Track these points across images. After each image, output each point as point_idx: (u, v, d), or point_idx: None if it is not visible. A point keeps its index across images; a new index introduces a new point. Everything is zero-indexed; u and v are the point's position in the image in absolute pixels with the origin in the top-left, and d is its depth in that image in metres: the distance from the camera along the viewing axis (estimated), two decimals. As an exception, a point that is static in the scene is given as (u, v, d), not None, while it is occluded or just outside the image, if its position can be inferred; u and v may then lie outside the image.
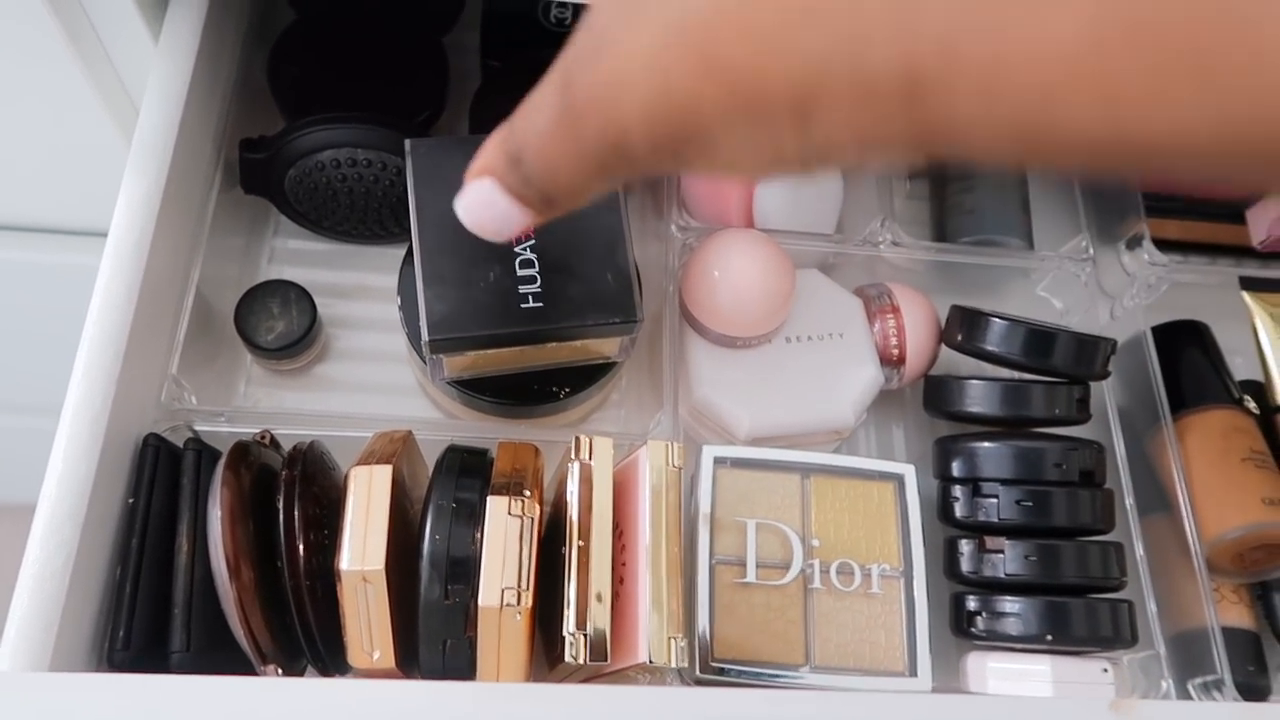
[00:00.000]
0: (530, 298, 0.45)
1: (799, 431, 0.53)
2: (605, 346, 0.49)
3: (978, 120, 0.17)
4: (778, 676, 0.48)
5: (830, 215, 0.61)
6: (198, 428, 0.48)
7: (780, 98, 0.19)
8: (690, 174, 0.22)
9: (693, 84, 0.20)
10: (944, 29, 0.17)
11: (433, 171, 0.47)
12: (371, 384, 0.57)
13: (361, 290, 0.58)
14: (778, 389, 0.53)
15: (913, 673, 0.49)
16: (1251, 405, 0.55)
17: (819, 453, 0.53)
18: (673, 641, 0.42)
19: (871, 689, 0.47)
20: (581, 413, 0.56)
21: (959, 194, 0.61)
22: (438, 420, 0.54)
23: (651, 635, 0.42)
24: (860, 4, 0.18)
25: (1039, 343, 0.51)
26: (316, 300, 0.57)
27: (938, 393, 0.54)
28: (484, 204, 0.31)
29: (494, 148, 0.29)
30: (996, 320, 0.52)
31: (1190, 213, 0.63)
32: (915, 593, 0.50)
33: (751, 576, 0.49)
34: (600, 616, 0.42)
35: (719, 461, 0.52)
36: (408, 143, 0.47)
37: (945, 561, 0.52)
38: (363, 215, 0.56)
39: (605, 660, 0.41)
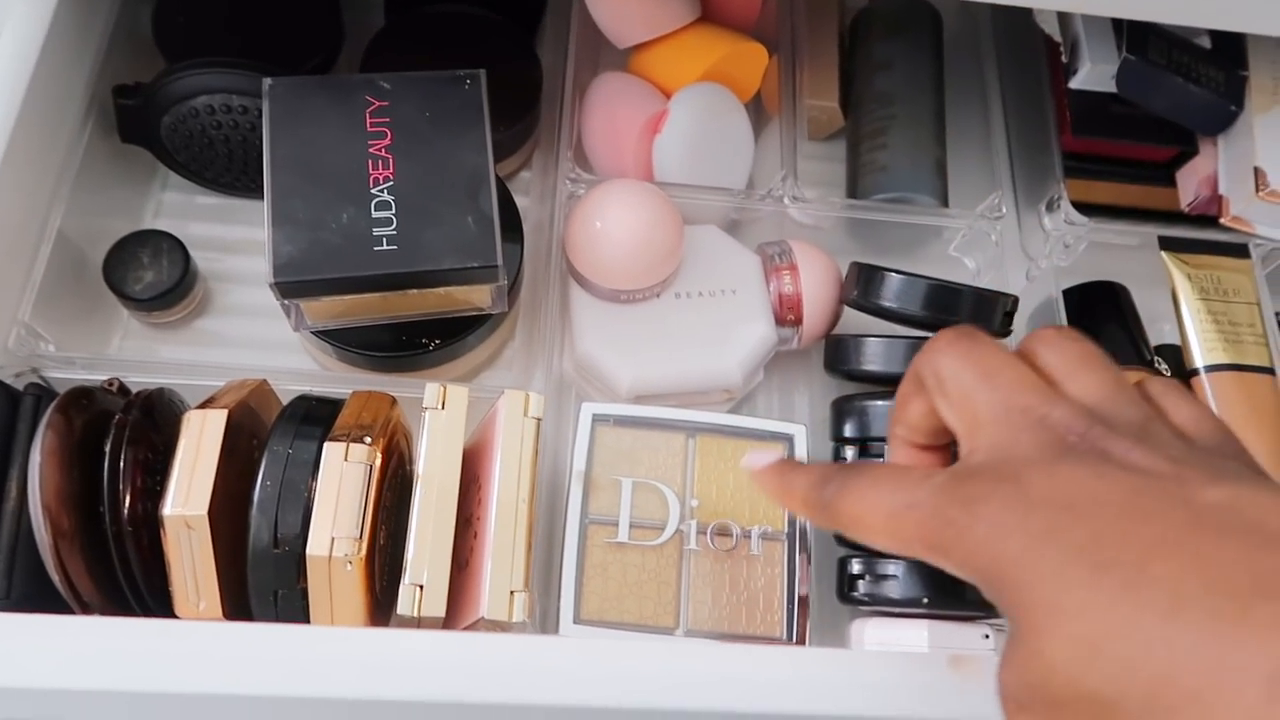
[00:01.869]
0: (384, 240, 0.44)
1: (684, 389, 0.51)
2: (474, 296, 0.48)
3: None
4: (647, 638, 0.46)
5: (739, 171, 0.59)
6: (56, 376, 0.47)
7: None
8: None
9: None
10: None
11: (290, 111, 0.45)
12: (254, 339, 0.55)
13: (248, 244, 0.57)
14: (662, 345, 0.51)
15: (790, 638, 0.47)
16: (1163, 367, 0.53)
17: (708, 412, 0.51)
18: (514, 596, 0.40)
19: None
20: (469, 366, 0.54)
21: (872, 151, 0.59)
22: (310, 371, 0.53)
23: (491, 590, 0.40)
24: None
25: (934, 298, 0.49)
26: (201, 254, 0.55)
27: (835, 352, 0.52)
28: (772, 473, 0.35)
29: (817, 477, 0.32)
30: (892, 275, 0.49)
31: (1117, 175, 0.61)
32: (797, 556, 0.48)
33: (624, 536, 0.47)
34: (439, 569, 0.40)
35: (600, 419, 0.50)
36: (265, 82, 0.45)
37: (834, 525, 0.49)
38: (244, 165, 0.54)
39: (440, 614, 0.39)
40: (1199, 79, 0.55)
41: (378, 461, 0.41)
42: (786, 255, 0.54)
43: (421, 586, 0.40)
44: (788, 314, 0.53)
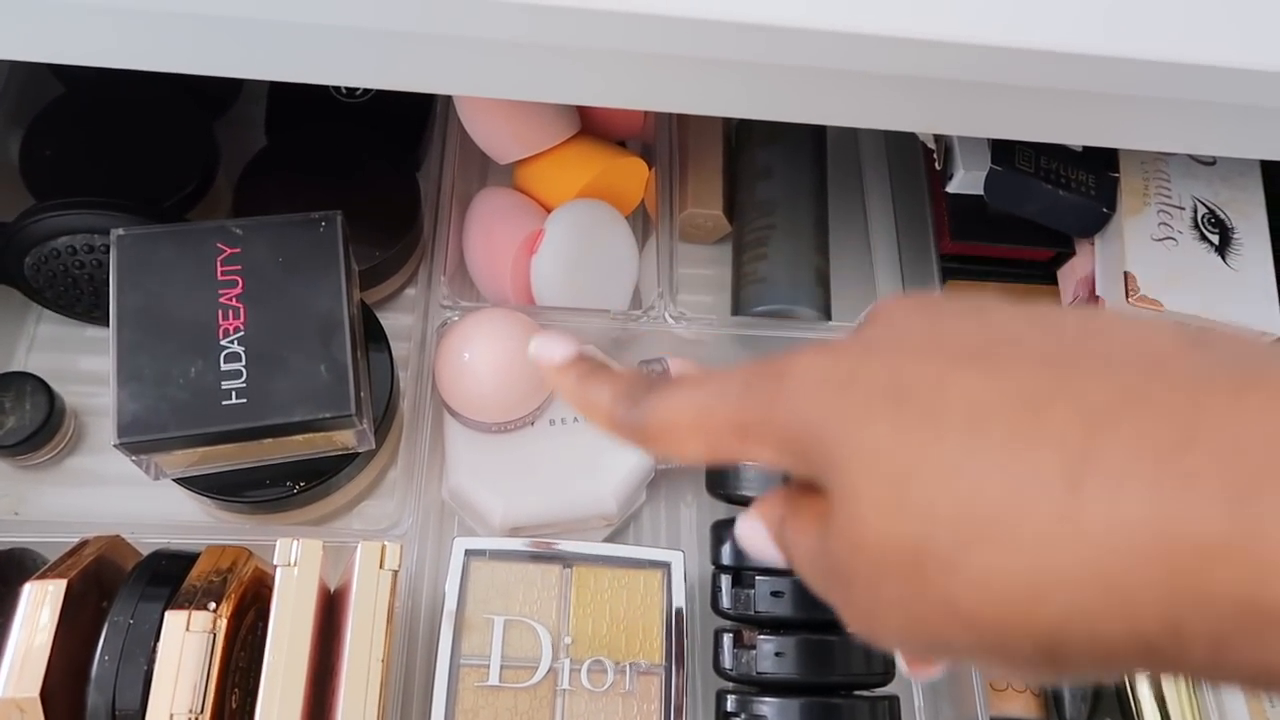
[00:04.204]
0: (233, 393, 0.43)
1: (559, 519, 0.51)
2: (339, 437, 0.47)
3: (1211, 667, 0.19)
4: (519, 788, 0.45)
5: (623, 285, 0.59)
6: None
7: (1029, 650, 0.21)
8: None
9: (943, 630, 0.22)
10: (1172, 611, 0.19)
11: (139, 263, 0.45)
12: (129, 475, 0.53)
13: (122, 378, 0.56)
14: (535, 476, 0.51)
15: (663, 779, 0.46)
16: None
17: (585, 541, 0.50)
18: (364, 762, 0.40)
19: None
20: (349, 496, 0.53)
21: (752, 262, 0.59)
22: (170, 523, 0.51)
23: (339, 757, 0.39)
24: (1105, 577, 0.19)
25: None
26: (77, 389, 0.55)
27: (713, 475, 0.52)
28: (566, 379, 0.31)
29: (623, 393, 0.28)
30: (763, 398, 0.49)
31: (1001, 275, 0.61)
32: (673, 690, 0.47)
33: (495, 679, 0.47)
34: (284, 738, 0.39)
35: (474, 554, 0.49)
36: (114, 234, 0.45)
37: (713, 656, 0.49)
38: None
39: (285, 786, 0.39)
40: (1068, 184, 0.56)
41: (222, 628, 0.40)
42: (663, 374, 0.53)
43: (266, 758, 0.39)
44: (666, 435, 0.52)
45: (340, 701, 0.40)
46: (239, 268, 0.45)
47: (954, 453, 0.21)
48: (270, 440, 0.45)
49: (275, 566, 0.42)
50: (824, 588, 0.25)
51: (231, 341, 0.44)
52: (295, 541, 0.42)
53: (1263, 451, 0.18)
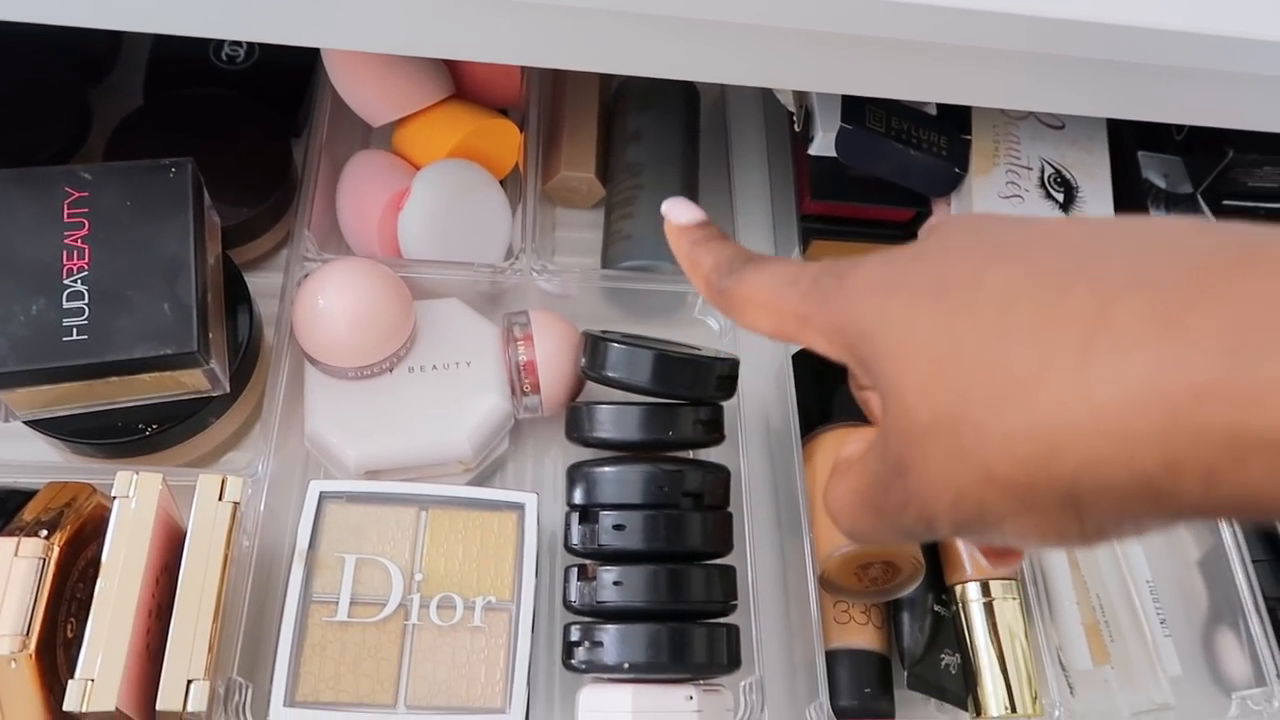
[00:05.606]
0: (75, 330, 0.44)
1: (414, 463, 0.52)
2: (188, 379, 0.48)
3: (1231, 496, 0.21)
4: (364, 717, 0.46)
5: (496, 243, 0.60)
6: None
7: (1053, 504, 0.23)
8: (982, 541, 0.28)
9: (984, 496, 0.24)
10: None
11: (-15, 204, 0.46)
12: None
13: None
14: (391, 421, 0.52)
15: (506, 708, 0.47)
16: (885, 422, 0.55)
17: (443, 485, 0.51)
18: (191, 685, 0.40)
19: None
20: (210, 445, 0.54)
21: (620, 220, 0.61)
22: (24, 463, 0.52)
23: (166, 680, 0.40)
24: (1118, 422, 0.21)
25: (653, 366, 0.50)
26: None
27: (571, 420, 0.53)
28: (684, 240, 0.34)
29: (724, 263, 0.32)
30: (613, 345, 0.51)
31: (863, 235, 0.63)
32: (520, 625, 0.48)
33: (344, 615, 0.47)
34: (113, 662, 0.40)
35: (330, 496, 0.50)
36: (-40, 177, 0.46)
37: (562, 591, 0.50)
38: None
39: (109, 708, 0.39)
40: (919, 144, 0.58)
41: (54, 554, 0.41)
42: (524, 325, 0.55)
43: (92, 680, 0.39)
44: (525, 383, 0.54)
45: (171, 630, 0.41)
46: (86, 210, 0.46)
47: (986, 335, 0.23)
48: (117, 379, 0.46)
49: (112, 498, 0.43)
50: (886, 494, 0.26)
51: (75, 281, 0.45)
52: (134, 474, 0.43)
53: (1257, 308, 0.20)
